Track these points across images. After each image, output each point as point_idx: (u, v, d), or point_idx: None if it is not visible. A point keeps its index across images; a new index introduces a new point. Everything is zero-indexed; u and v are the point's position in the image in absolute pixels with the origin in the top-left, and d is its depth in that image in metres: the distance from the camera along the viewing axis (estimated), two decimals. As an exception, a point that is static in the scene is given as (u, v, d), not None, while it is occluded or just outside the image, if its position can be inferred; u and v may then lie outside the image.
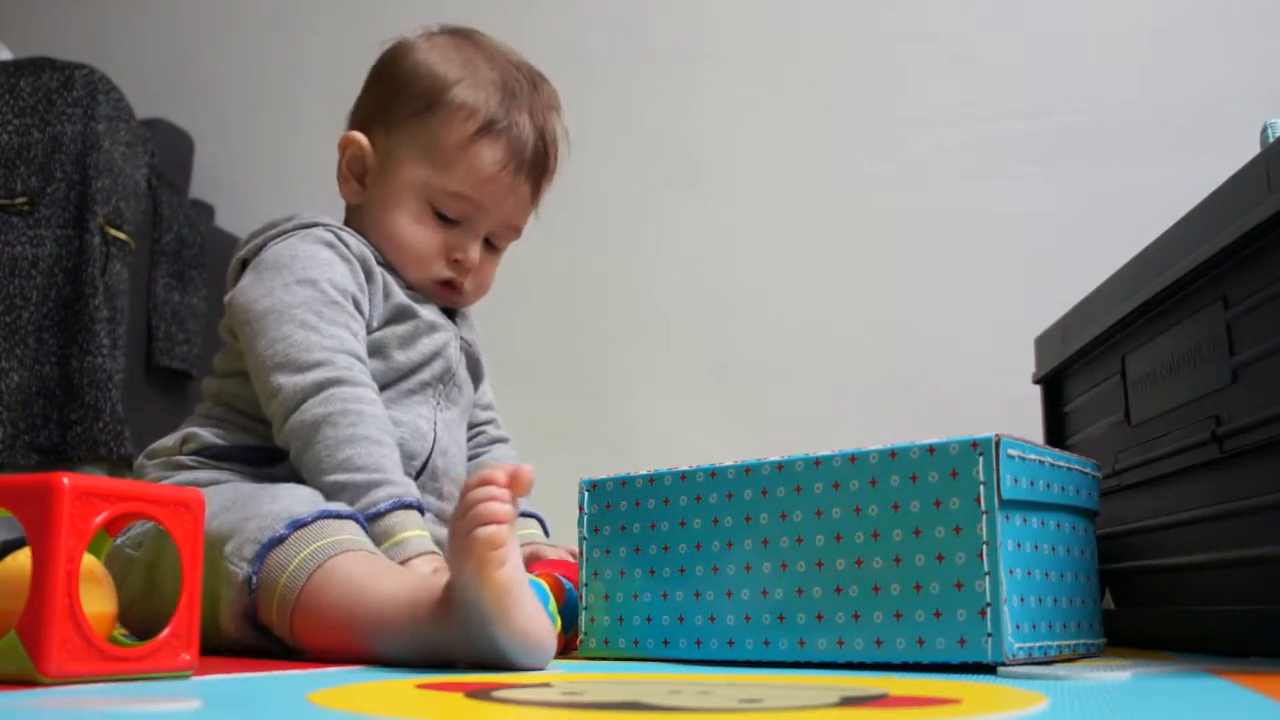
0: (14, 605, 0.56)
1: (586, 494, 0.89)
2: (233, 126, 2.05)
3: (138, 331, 1.71)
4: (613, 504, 0.87)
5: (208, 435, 0.94)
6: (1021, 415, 1.24)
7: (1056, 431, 1.19)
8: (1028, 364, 1.25)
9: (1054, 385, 1.20)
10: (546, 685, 0.60)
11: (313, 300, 0.92)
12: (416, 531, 0.85)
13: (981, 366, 1.63)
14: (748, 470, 0.80)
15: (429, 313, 1.01)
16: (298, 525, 0.80)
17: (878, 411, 1.70)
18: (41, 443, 1.54)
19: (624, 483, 0.87)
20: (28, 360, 1.55)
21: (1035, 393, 1.23)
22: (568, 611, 0.89)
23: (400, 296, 0.99)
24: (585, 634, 0.87)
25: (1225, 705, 0.51)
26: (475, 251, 1.03)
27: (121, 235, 1.63)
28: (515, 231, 1.07)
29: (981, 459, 0.71)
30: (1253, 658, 0.78)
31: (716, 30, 1.91)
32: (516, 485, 0.70)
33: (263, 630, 0.80)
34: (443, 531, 0.98)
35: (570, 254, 1.88)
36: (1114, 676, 0.62)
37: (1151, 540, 0.95)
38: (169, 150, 1.89)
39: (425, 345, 1.00)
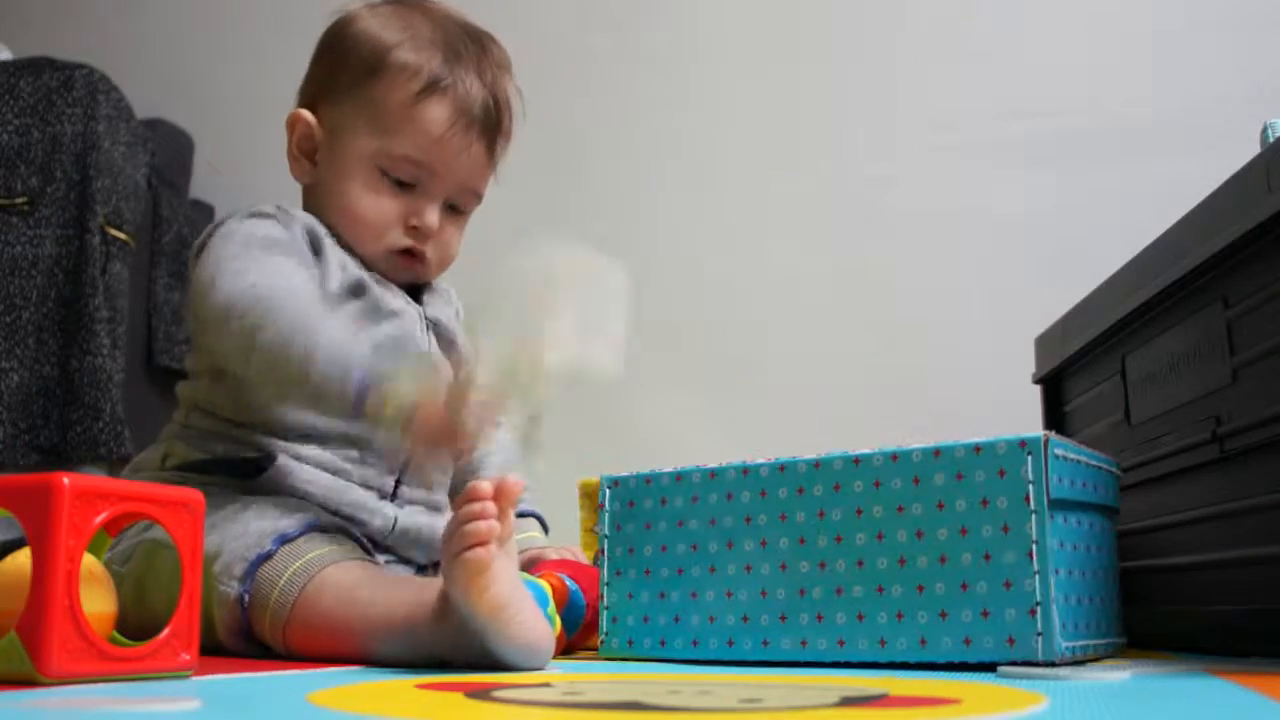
0: (14, 605, 0.56)
1: (608, 491, 0.87)
2: (233, 126, 2.05)
3: (138, 331, 1.71)
4: (636, 501, 0.85)
5: (190, 449, 0.93)
6: (1021, 415, 1.24)
7: (1056, 432, 1.18)
8: (1028, 364, 1.25)
9: (1054, 385, 1.20)
10: (546, 685, 0.60)
11: (243, 253, 0.88)
12: (397, 396, 0.79)
13: (981, 366, 1.63)
14: (782, 468, 0.79)
15: (390, 296, 0.98)
16: (285, 540, 0.79)
17: (877, 411, 1.70)
18: (41, 443, 1.54)
19: (649, 480, 0.85)
20: (28, 360, 1.55)
21: (1035, 393, 1.23)
22: (573, 613, 0.89)
23: (355, 270, 0.96)
24: (606, 634, 0.85)
25: (1225, 705, 0.51)
26: (433, 216, 0.99)
27: (121, 235, 1.63)
28: (475, 196, 1.03)
29: (1030, 458, 0.70)
30: (1253, 658, 0.78)
31: (716, 30, 1.91)
32: (503, 498, 0.69)
33: (260, 645, 0.80)
34: (429, 521, 0.98)
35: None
36: (1114, 676, 0.62)
37: (1151, 540, 0.95)
38: (169, 150, 1.89)
39: (387, 329, 0.96)
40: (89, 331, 1.54)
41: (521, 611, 0.70)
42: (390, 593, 0.76)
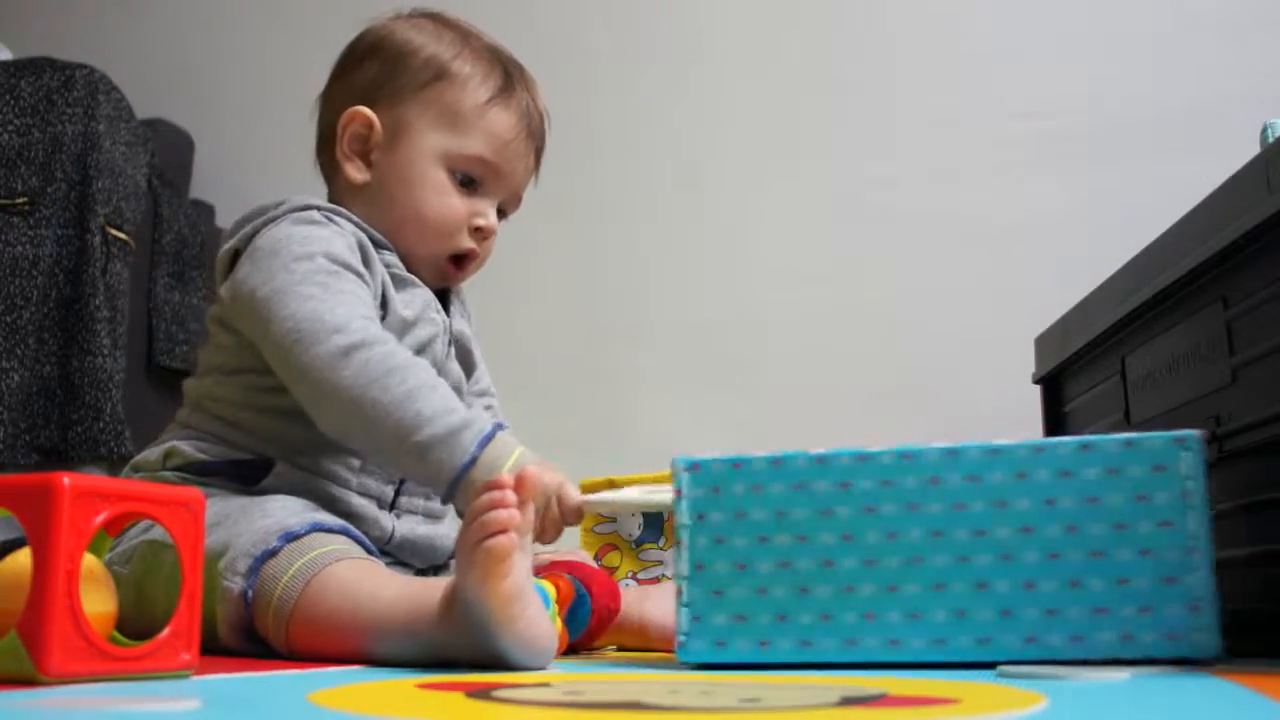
0: (14, 605, 0.56)
1: (686, 475, 0.77)
2: (233, 126, 2.05)
3: (138, 331, 1.71)
4: (722, 487, 0.76)
5: (190, 450, 0.92)
6: (1021, 415, 1.24)
7: (1056, 431, 1.18)
8: (1028, 364, 1.25)
9: (1054, 385, 1.20)
10: (546, 685, 0.60)
11: (313, 273, 0.89)
12: (512, 455, 0.84)
13: (981, 366, 1.63)
14: (907, 456, 0.74)
15: (419, 305, 0.99)
16: (290, 538, 0.79)
17: (878, 411, 1.70)
18: (41, 443, 1.54)
19: (737, 464, 0.77)
20: (28, 360, 1.55)
21: (1035, 393, 1.23)
22: (577, 614, 0.89)
23: (389, 288, 0.96)
24: (687, 635, 0.75)
25: (1225, 705, 0.51)
26: (494, 217, 1.02)
27: (122, 235, 1.63)
28: (519, 201, 1.07)
29: (1186, 455, 0.70)
30: (1253, 657, 0.78)
31: (717, 30, 1.91)
32: (524, 490, 0.70)
33: (261, 642, 0.80)
34: (427, 530, 0.98)
35: (570, 254, 1.88)
36: (1114, 676, 0.62)
37: (1151, 540, 0.94)
38: (169, 150, 1.89)
39: (408, 343, 0.96)
40: (89, 331, 1.54)
41: (530, 606, 0.70)
42: (394, 590, 0.76)
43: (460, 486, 0.84)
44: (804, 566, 0.74)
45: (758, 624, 0.74)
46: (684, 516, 0.76)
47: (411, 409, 0.84)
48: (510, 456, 0.84)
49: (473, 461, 0.83)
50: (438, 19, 1.05)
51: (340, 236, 0.94)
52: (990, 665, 0.70)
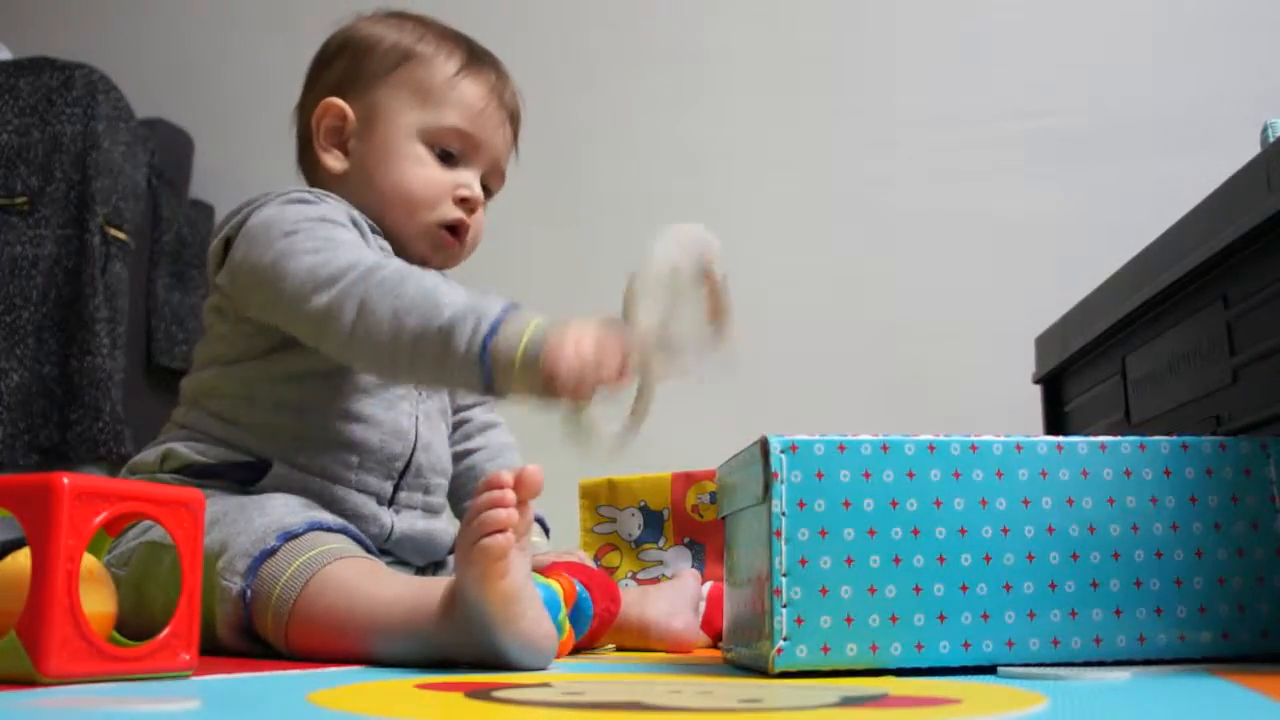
0: (14, 605, 0.56)
1: (785, 458, 0.70)
2: (232, 126, 2.05)
3: (138, 331, 1.71)
4: (827, 473, 0.70)
5: (187, 452, 0.92)
6: (1021, 415, 1.24)
7: (1056, 432, 1.19)
8: (1028, 364, 1.25)
9: (1054, 385, 1.20)
10: (546, 685, 0.60)
11: (311, 229, 0.88)
12: (530, 325, 0.81)
13: (981, 366, 1.63)
14: (1019, 448, 0.71)
15: None
16: (289, 537, 0.79)
17: (878, 412, 1.70)
18: (41, 443, 1.54)
19: (843, 447, 0.71)
20: (28, 360, 1.55)
21: (1035, 393, 1.23)
22: (578, 615, 0.89)
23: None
24: (788, 639, 0.66)
25: (1225, 705, 0.51)
26: (479, 189, 1.02)
27: (121, 235, 1.63)
28: (501, 177, 1.07)
29: (1271, 460, 0.72)
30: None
31: (716, 30, 1.91)
32: (523, 489, 0.70)
33: (260, 642, 0.80)
34: (426, 525, 0.98)
35: (569, 253, 1.88)
36: (1114, 676, 0.62)
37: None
38: (168, 150, 1.89)
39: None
40: (89, 331, 1.54)
41: (531, 607, 0.70)
42: (393, 590, 0.76)
43: (492, 358, 0.79)
44: (919, 562, 0.68)
45: (865, 625, 0.67)
46: (783, 504, 0.69)
47: (433, 299, 0.81)
48: (528, 327, 0.81)
49: (494, 330, 0.79)
50: (398, 14, 1.06)
51: (334, 209, 0.94)
52: (1105, 664, 0.69)
